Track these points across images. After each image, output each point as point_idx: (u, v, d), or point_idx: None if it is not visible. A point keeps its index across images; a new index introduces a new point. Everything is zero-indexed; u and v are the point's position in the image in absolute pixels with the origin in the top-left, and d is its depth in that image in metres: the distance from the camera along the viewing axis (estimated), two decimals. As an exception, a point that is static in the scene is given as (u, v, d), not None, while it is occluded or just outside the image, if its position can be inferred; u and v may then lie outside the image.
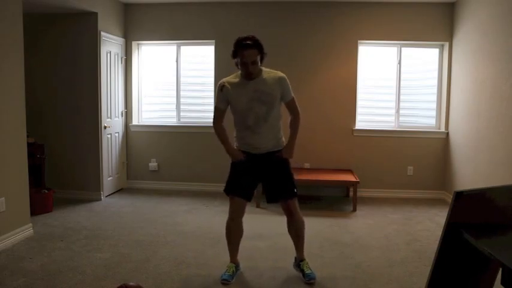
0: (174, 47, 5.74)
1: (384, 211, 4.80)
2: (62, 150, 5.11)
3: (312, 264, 3.09)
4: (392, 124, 5.59)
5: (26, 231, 3.74)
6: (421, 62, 5.55)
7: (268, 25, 5.39)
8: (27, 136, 3.90)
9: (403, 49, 5.49)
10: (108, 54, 5.23)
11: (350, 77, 5.44)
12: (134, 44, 5.73)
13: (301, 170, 5.34)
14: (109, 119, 5.31)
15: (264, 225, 4.12)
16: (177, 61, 5.75)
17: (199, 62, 5.76)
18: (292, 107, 2.94)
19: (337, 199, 5.37)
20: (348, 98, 5.46)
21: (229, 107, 2.94)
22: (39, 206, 4.40)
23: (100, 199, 5.10)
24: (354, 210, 4.80)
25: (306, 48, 5.42)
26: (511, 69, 3.86)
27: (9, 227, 3.54)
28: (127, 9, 5.63)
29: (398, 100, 5.54)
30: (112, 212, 4.64)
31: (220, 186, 5.58)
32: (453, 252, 1.70)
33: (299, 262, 3.03)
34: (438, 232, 3.90)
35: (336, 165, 5.50)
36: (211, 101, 5.67)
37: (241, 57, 2.72)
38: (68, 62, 5.01)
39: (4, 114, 3.49)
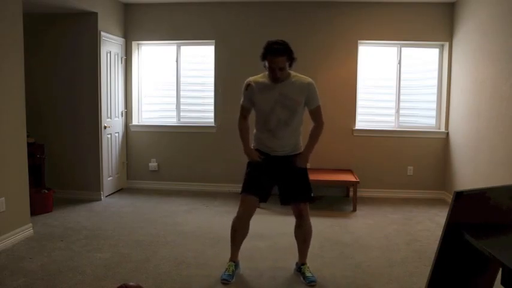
0: (174, 47, 5.74)
1: (383, 211, 4.80)
2: (62, 150, 5.11)
3: (312, 264, 3.09)
4: (392, 124, 5.59)
5: (26, 231, 3.74)
6: (421, 62, 5.54)
7: (268, 25, 5.39)
8: (27, 136, 3.90)
9: (403, 49, 5.49)
10: (108, 54, 5.23)
11: (350, 77, 5.44)
12: (134, 44, 5.73)
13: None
14: (109, 119, 5.31)
15: (264, 225, 4.12)
16: (177, 61, 5.75)
17: (199, 62, 5.76)
18: (316, 115, 2.90)
19: (337, 199, 5.37)
20: (348, 98, 5.46)
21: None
22: (39, 206, 4.40)
23: (100, 199, 5.10)
24: (354, 210, 4.80)
25: (306, 48, 5.42)
26: (511, 69, 3.86)
27: (9, 227, 3.54)
28: (127, 9, 5.63)
29: (398, 100, 5.54)
30: (112, 212, 4.64)
31: (221, 186, 5.68)
32: (453, 252, 1.70)
33: (300, 266, 3.03)
34: (438, 232, 3.90)
35: (336, 165, 5.50)
36: (211, 101, 5.68)
37: (269, 62, 2.69)
38: (68, 62, 5.01)
39: (4, 114, 3.49)
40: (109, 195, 5.35)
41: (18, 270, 3.03)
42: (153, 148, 5.79)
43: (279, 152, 2.88)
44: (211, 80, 5.64)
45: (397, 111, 5.56)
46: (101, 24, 4.99)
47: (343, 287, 2.87)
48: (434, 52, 5.49)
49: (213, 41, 5.56)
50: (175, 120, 5.84)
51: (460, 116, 5.01)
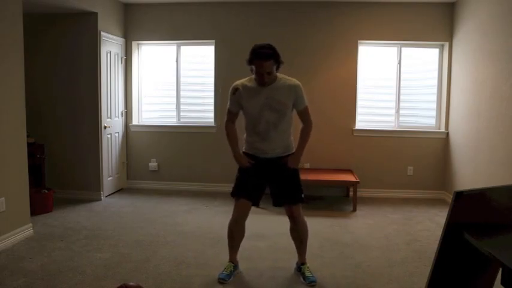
0: (174, 47, 5.74)
1: (383, 211, 4.80)
2: (62, 150, 5.11)
3: (312, 264, 3.09)
4: (392, 124, 5.59)
5: (26, 231, 3.74)
6: (421, 62, 5.54)
7: (268, 25, 5.39)
8: (27, 136, 3.90)
9: (403, 49, 5.49)
10: (108, 54, 5.23)
11: (350, 77, 5.44)
12: (134, 44, 5.73)
13: (301, 170, 5.30)
14: (109, 119, 5.31)
15: (264, 225, 4.12)
16: (177, 61, 5.75)
17: (199, 62, 5.76)
18: (304, 116, 2.91)
19: (337, 199, 5.36)
20: (348, 98, 5.46)
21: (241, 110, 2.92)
22: (39, 206, 4.40)
23: (100, 199, 5.10)
24: (354, 210, 4.80)
25: (306, 48, 5.42)
26: (511, 69, 3.86)
27: (9, 227, 3.54)
28: (127, 9, 5.63)
29: (398, 100, 5.54)
30: (112, 212, 4.64)
31: (221, 186, 5.67)
32: (453, 252, 1.70)
33: (300, 266, 3.03)
34: (438, 232, 3.90)
35: (336, 165, 5.50)
36: (211, 101, 5.68)
37: (256, 66, 2.70)
38: (68, 62, 5.01)
39: (4, 114, 3.49)
40: (109, 195, 5.35)
41: (18, 270, 3.03)
42: (153, 148, 5.79)
43: (269, 154, 2.88)
44: (211, 80, 5.64)
45: (397, 111, 5.56)
46: (101, 24, 4.99)
47: (343, 287, 2.87)
48: (434, 52, 5.49)
49: (213, 41, 5.56)
50: (175, 120, 5.84)
51: (460, 116, 5.01)
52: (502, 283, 1.54)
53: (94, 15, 4.90)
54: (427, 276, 1.79)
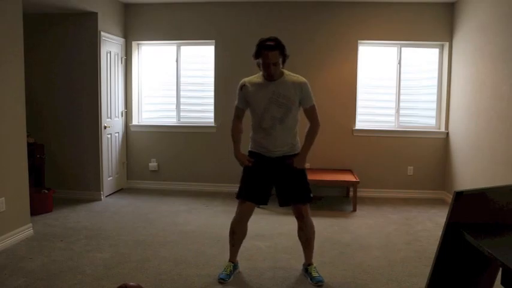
0: (174, 47, 5.74)
1: (383, 211, 4.80)
2: (62, 150, 5.11)
3: (312, 264, 3.09)
4: (393, 124, 5.59)
5: (26, 231, 3.74)
6: (421, 62, 5.54)
7: (268, 25, 5.39)
8: (27, 136, 3.90)
9: (403, 49, 5.49)
10: (108, 54, 5.23)
11: (350, 77, 5.44)
12: (134, 44, 5.73)
13: (301, 170, 5.34)
14: (109, 119, 5.31)
15: (264, 225, 4.12)
16: (177, 61, 5.75)
17: (199, 62, 5.76)
18: (310, 115, 2.92)
19: (337, 199, 5.36)
20: (348, 98, 5.46)
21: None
22: (39, 206, 4.40)
23: (100, 199, 5.10)
24: (354, 210, 4.80)
25: (306, 48, 5.42)
26: (511, 69, 3.86)
27: (9, 227, 3.54)
28: (127, 9, 5.63)
29: (398, 100, 5.54)
30: (112, 212, 4.64)
31: (221, 186, 5.68)
32: (453, 252, 1.70)
33: (306, 266, 3.02)
34: (438, 232, 3.90)
35: (336, 165, 5.50)
36: (211, 101, 5.68)
37: (263, 58, 2.71)
38: (68, 62, 5.01)
39: (4, 114, 3.49)
40: (109, 195, 5.35)
41: (18, 270, 3.03)
42: (153, 148, 5.79)
43: (275, 153, 2.88)
44: (211, 80, 5.64)
45: (397, 111, 5.56)
46: (101, 24, 4.98)
47: (343, 287, 2.87)
48: (434, 52, 5.49)
49: (213, 41, 5.56)
50: (175, 120, 5.84)
51: (460, 116, 5.01)
52: (502, 283, 1.54)
53: (94, 15, 4.90)
54: (427, 276, 1.79)
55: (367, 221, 4.42)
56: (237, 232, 2.98)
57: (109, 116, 5.31)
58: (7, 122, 3.53)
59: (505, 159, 3.92)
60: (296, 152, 2.92)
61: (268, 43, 2.71)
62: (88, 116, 5.04)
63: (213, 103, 5.66)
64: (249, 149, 2.98)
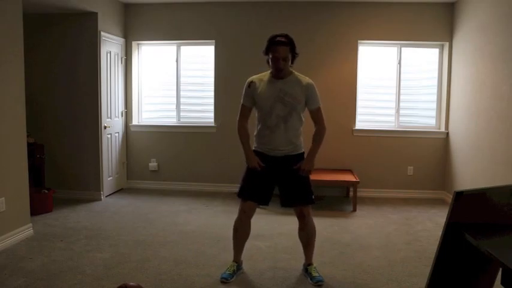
0: (174, 47, 5.74)
1: (383, 211, 4.80)
2: (62, 150, 5.11)
3: (312, 264, 3.09)
4: (393, 124, 5.59)
5: (26, 231, 3.74)
6: (421, 62, 5.54)
7: (268, 25, 5.38)
8: (27, 136, 3.90)
9: (403, 49, 5.49)
10: (108, 54, 5.23)
11: (350, 77, 5.44)
12: (134, 44, 5.73)
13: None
14: (109, 119, 5.31)
15: (264, 225, 4.12)
16: (177, 61, 5.75)
17: (199, 62, 5.76)
18: (316, 117, 2.91)
19: (337, 199, 5.36)
20: (348, 98, 5.46)
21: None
22: (39, 206, 4.40)
23: (100, 199, 5.10)
24: (354, 210, 4.80)
25: (306, 48, 5.39)
26: (511, 69, 3.86)
27: (9, 227, 3.54)
28: (127, 9, 5.63)
29: (398, 100, 5.54)
30: (112, 212, 4.64)
31: (221, 186, 5.68)
32: (453, 252, 1.70)
33: (306, 266, 3.03)
34: (438, 232, 3.90)
35: (336, 165, 5.50)
36: (211, 101, 5.67)
37: (272, 52, 2.73)
38: (68, 62, 5.01)
39: (4, 114, 3.49)
40: (109, 195, 5.35)
41: (18, 270, 3.03)
42: (153, 148, 5.79)
43: (278, 152, 2.87)
44: (211, 80, 5.64)
45: (397, 111, 5.56)
46: (101, 24, 4.98)
47: (343, 287, 2.87)
48: (434, 52, 5.49)
49: (213, 41, 5.56)
50: (175, 120, 5.84)
51: (460, 116, 5.01)
52: (502, 283, 1.54)
53: (94, 15, 4.90)
54: (427, 276, 1.79)
55: (367, 221, 4.42)
56: (240, 231, 2.98)
57: (109, 116, 5.31)
58: (7, 122, 3.53)
59: (505, 159, 3.92)
60: (298, 152, 2.92)
61: (279, 38, 2.75)
62: (88, 116, 5.04)
63: (213, 103, 5.66)
64: (253, 148, 2.97)
